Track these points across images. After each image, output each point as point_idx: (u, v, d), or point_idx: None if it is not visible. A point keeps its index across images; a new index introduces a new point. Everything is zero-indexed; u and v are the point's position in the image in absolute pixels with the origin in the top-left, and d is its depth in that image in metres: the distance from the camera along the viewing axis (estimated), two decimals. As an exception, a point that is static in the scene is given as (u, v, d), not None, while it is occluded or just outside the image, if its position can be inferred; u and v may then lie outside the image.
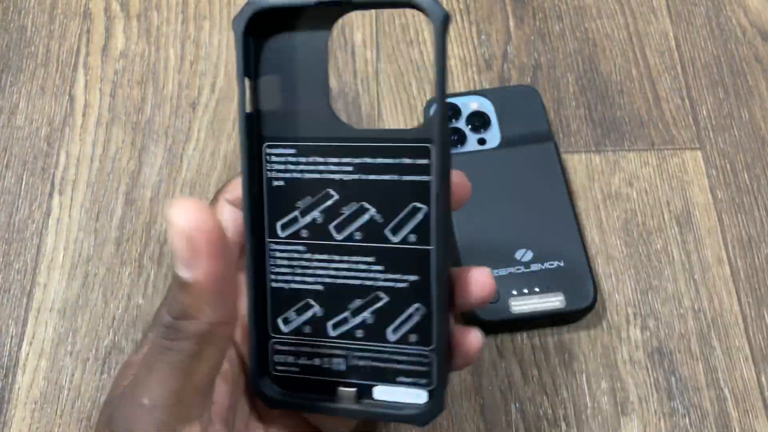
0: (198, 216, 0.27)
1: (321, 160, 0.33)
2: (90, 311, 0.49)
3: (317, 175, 0.34)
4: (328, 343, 0.35)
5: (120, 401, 0.30)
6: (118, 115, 0.56)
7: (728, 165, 0.54)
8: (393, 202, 0.33)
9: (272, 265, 0.34)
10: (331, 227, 0.34)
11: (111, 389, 0.33)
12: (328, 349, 0.35)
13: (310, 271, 0.34)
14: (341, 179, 0.33)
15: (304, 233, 0.34)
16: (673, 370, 0.47)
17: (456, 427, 0.46)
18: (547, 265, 0.49)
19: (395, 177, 0.33)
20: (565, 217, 0.50)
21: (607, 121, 0.55)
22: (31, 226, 0.52)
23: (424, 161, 0.33)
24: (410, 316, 0.34)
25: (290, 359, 0.35)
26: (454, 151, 0.52)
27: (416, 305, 0.34)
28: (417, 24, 0.59)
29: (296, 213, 0.34)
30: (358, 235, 0.34)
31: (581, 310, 0.48)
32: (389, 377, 0.35)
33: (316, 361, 0.35)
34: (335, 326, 0.35)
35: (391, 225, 0.33)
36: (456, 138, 0.53)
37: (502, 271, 0.48)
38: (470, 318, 0.47)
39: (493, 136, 0.53)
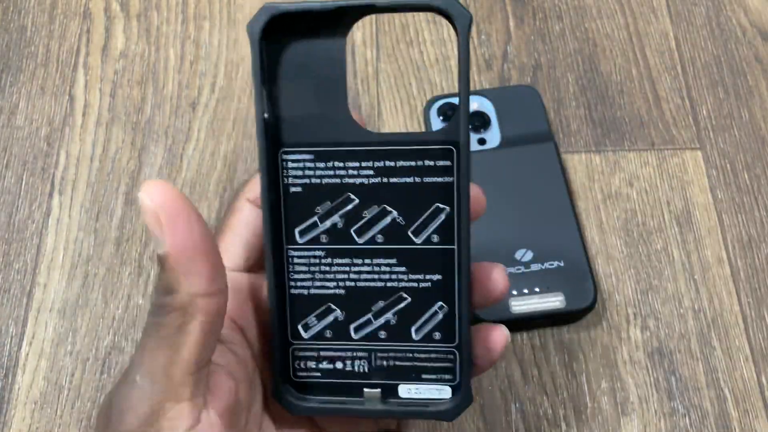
0: (162, 193, 0.29)
1: (340, 164, 0.33)
2: (90, 311, 0.49)
3: (337, 180, 0.33)
4: (351, 345, 0.35)
5: (118, 382, 0.31)
6: (118, 115, 0.56)
7: (728, 165, 0.54)
8: (415, 204, 0.33)
9: (291, 271, 0.34)
10: (352, 231, 0.34)
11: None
12: (351, 352, 0.35)
13: (330, 276, 0.34)
14: (361, 183, 0.33)
15: (324, 238, 0.34)
16: (673, 370, 0.47)
17: (456, 427, 0.46)
18: (547, 265, 0.49)
19: (417, 179, 0.33)
20: (565, 217, 0.50)
21: (607, 121, 0.55)
22: (31, 226, 0.52)
23: (447, 163, 0.33)
24: (434, 315, 0.34)
25: (312, 364, 0.35)
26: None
27: (439, 303, 0.34)
28: (417, 24, 0.59)
29: (315, 218, 0.34)
30: (380, 238, 0.34)
31: (581, 310, 0.48)
32: (413, 375, 0.35)
33: (339, 365, 0.35)
34: (357, 329, 0.35)
35: (414, 226, 0.34)
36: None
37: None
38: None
39: (493, 136, 0.53)
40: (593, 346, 0.48)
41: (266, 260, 0.34)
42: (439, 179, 0.33)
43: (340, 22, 0.32)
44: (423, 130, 0.54)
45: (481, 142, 0.53)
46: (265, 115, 0.33)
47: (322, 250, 0.34)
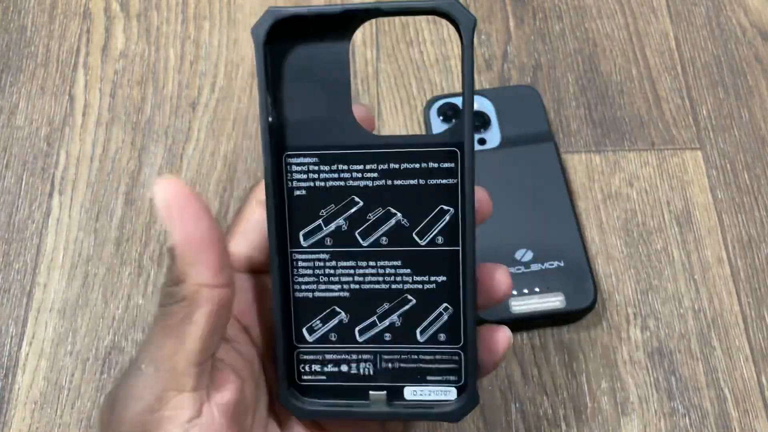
0: (173, 187, 0.30)
1: (344, 167, 0.33)
2: (90, 311, 0.49)
3: (341, 183, 0.34)
4: (356, 348, 0.35)
5: (126, 370, 0.32)
6: (118, 115, 0.56)
7: (728, 165, 0.54)
8: (420, 206, 0.34)
9: (296, 275, 0.34)
10: (356, 233, 0.34)
11: None
12: (356, 355, 0.35)
13: (335, 279, 0.34)
14: (366, 185, 0.33)
15: (329, 241, 0.34)
16: (673, 370, 0.47)
17: (456, 427, 0.46)
18: (547, 265, 0.49)
19: (422, 181, 0.33)
20: (565, 217, 0.50)
21: (607, 121, 0.55)
22: (31, 226, 0.52)
23: (451, 165, 0.33)
24: (439, 316, 0.34)
25: (317, 368, 0.35)
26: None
27: (444, 305, 0.34)
28: (417, 23, 0.59)
29: (319, 222, 0.34)
30: (384, 240, 0.34)
31: (581, 310, 0.48)
32: (419, 377, 0.35)
33: (344, 367, 0.35)
34: (362, 331, 0.35)
35: (419, 228, 0.34)
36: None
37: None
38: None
39: (494, 136, 0.53)
40: (593, 346, 0.48)
41: (271, 263, 0.34)
42: (443, 181, 0.33)
43: (343, 25, 0.33)
44: (423, 129, 0.54)
45: (481, 142, 0.53)
46: (270, 119, 0.33)
47: (327, 252, 0.34)
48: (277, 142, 0.33)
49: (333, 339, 0.35)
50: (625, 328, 0.48)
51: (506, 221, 0.50)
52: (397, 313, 0.34)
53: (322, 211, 0.34)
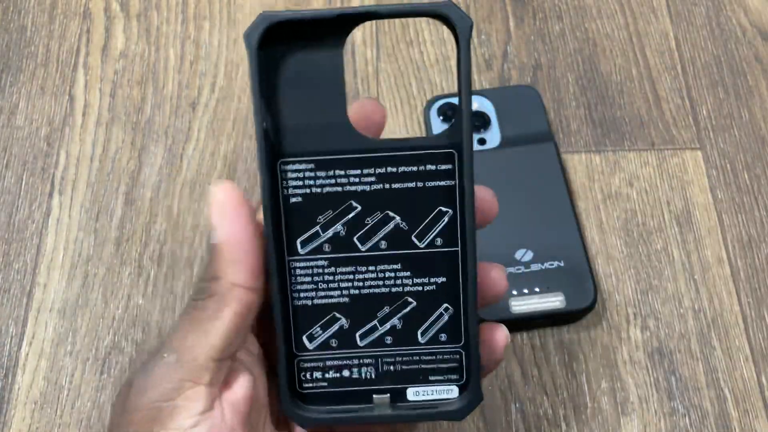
0: (231, 191, 0.32)
1: (341, 172, 0.33)
2: (90, 311, 0.49)
3: (338, 188, 0.33)
4: (357, 353, 0.35)
5: (147, 358, 0.33)
6: (118, 115, 0.56)
7: (728, 165, 0.54)
8: (418, 209, 0.33)
9: (294, 282, 0.34)
10: (355, 239, 0.34)
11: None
12: (358, 359, 0.35)
13: (334, 285, 0.34)
14: (363, 190, 0.33)
15: (327, 247, 0.34)
16: (673, 370, 0.47)
17: (456, 427, 0.46)
18: (547, 265, 0.49)
19: (420, 184, 0.33)
20: (565, 217, 0.50)
21: (607, 121, 0.55)
22: (31, 226, 0.52)
23: (449, 166, 0.33)
24: (439, 317, 0.34)
25: (318, 375, 0.35)
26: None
27: (445, 305, 0.34)
28: (417, 24, 0.59)
29: (317, 228, 0.34)
30: (383, 244, 0.34)
31: (581, 310, 0.48)
32: (421, 378, 0.35)
33: (346, 373, 0.35)
34: (363, 336, 0.35)
35: (417, 231, 0.34)
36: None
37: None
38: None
39: (493, 136, 0.53)
40: (593, 346, 0.48)
41: (269, 272, 0.33)
42: (441, 183, 0.33)
43: (338, 28, 0.32)
44: (423, 129, 0.54)
45: (481, 142, 0.53)
46: (264, 125, 0.32)
47: (325, 259, 0.34)
48: (273, 149, 0.33)
49: (334, 345, 0.35)
50: (625, 328, 0.48)
51: (506, 221, 0.49)
52: (398, 315, 0.34)
53: (320, 217, 0.33)
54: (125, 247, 0.51)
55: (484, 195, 0.34)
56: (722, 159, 0.54)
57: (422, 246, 0.34)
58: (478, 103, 0.54)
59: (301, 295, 0.34)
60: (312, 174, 0.33)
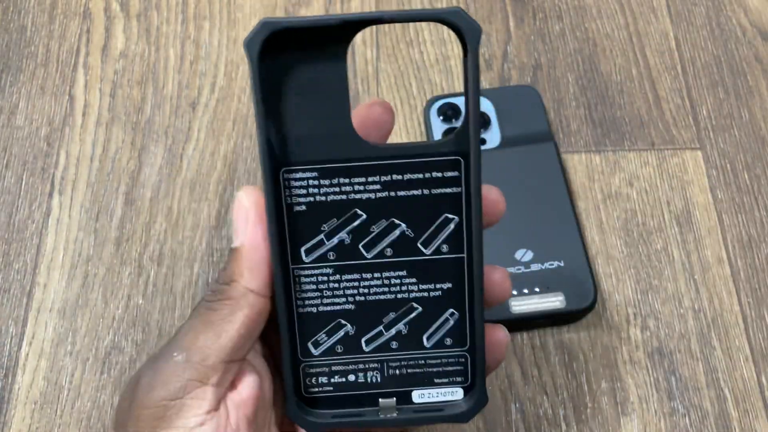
0: (256, 197, 0.33)
1: (346, 180, 0.33)
2: (90, 311, 0.49)
3: (342, 197, 0.33)
4: (362, 358, 0.35)
5: (151, 358, 0.33)
6: (118, 115, 0.56)
7: (728, 165, 0.54)
8: (424, 216, 0.33)
9: (299, 291, 0.34)
10: (360, 246, 0.33)
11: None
12: (363, 364, 0.35)
13: (339, 292, 0.34)
14: (368, 198, 0.33)
15: (331, 255, 0.34)
16: (673, 370, 0.47)
17: (456, 427, 0.46)
18: (547, 265, 0.49)
19: (426, 191, 0.33)
20: (565, 217, 0.50)
21: (607, 121, 0.55)
22: (31, 226, 0.52)
23: (455, 173, 0.33)
24: (445, 321, 0.34)
25: (323, 380, 0.35)
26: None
27: (450, 310, 0.34)
28: (417, 24, 0.59)
29: (321, 236, 0.33)
30: (389, 251, 0.34)
31: (581, 310, 0.48)
32: (426, 381, 0.35)
33: (351, 377, 0.35)
34: (369, 341, 0.35)
35: (423, 238, 0.33)
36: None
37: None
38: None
39: (493, 136, 0.53)
40: (593, 346, 0.48)
41: (274, 281, 0.33)
42: (448, 190, 0.33)
43: (341, 34, 0.31)
44: (423, 129, 0.54)
45: (481, 142, 0.53)
46: (267, 134, 0.32)
47: (330, 267, 0.34)
48: (276, 157, 0.32)
49: (339, 351, 0.35)
50: (625, 328, 0.48)
51: (506, 221, 0.49)
52: (404, 321, 0.34)
53: (324, 225, 0.33)
54: (125, 247, 0.51)
55: (491, 194, 0.34)
56: (722, 159, 0.54)
57: (428, 253, 0.34)
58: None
59: (306, 302, 0.34)
60: (316, 182, 0.33)
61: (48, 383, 0.47)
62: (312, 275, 0.34)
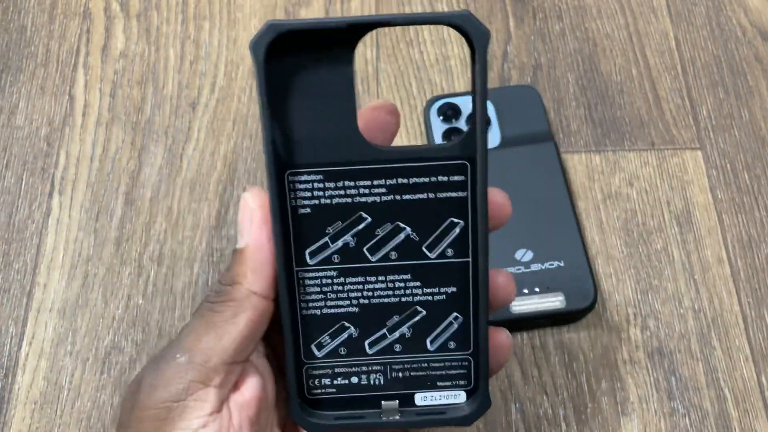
0: (262, 200, 0.32)
1: (351, 183, 0.32)
2: (90, 311, 0.49)
3: (348, 200, 0.33)
4: (366, 360, 0.35)
5: (153, 359, 0.33)
6: (118, 115, 0.56)
7: (728, 165, 0.54)
8: (429, 220, 0.33)
9: (303, 293, 0.34)
10: (364, 250, 0.33)
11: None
12: (366, 366, 0.35)
13: (343, 295, 0.34)
14: (374, 201, 0.33)
15: (336, 258, 0.33)
16: (673, 370, 0.47)
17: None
18: (547, 265, 0.49)
19: (431, 195, 0.33)
20: (565, 217, 0.50)
21: (607, 121, 0.55)
22: (31, 226, 0.52)
23: (461, 177, 0.32)
24: (449, 325, 0.34)
25: (326, 381, 0.35)
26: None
27: (454, 314, 0.34)
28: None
29: (326, 239, 0.33)
30: (393, 255, 0.33)
31: (581, 310, 0.48)
32: (429, 384, 0.35)
33: (354, 380, 0.35)
34: (372, 344, 0.35)
35: (428, 242, 0.33)
36: (456, 138, 0.53)
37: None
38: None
39: (493, 136, 0.53)
40: (593, 346, 0.48)
41: (278, 282, 0.33)
42: (453, 194, 0.33)
43: (348, 37, 0.31)
44: (423, 129, 0.54)
45: (481, 142, 0.53)
46: (272, 136, 0.31)
47: (334, 270, 0.34)
48: (281, 160, 0.32)
49: (342, 353, 0.35)
50: (625, 328, 0.48)
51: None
52: (407, 324, 0.34)
53: (329, 228, 0.33)
54: (125, 247, 0.51)
55: (496, 198, 0.34)
56: (722, 159, 0.54)
57: (433, 257, 0.33)
58: (478, 103, 0.54)
59: (310, 305, 0.34)
60: (321, 185, 0.33)
61: (48, 383, 0.47)
62: (316, 278, 0.34)
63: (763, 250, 0.51)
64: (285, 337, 0.34)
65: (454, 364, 0.35)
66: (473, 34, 0.30)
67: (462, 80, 0.57)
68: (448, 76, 0.57)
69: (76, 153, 0.54)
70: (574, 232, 0.50)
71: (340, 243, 0.33)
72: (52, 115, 0.56)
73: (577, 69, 0.57)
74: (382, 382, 0.35)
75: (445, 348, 0.35)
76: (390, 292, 0.34)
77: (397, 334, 0.34)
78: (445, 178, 0.33)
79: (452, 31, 0.59)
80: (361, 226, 0.33)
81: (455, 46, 0.58)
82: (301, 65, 0.31)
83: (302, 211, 0.33)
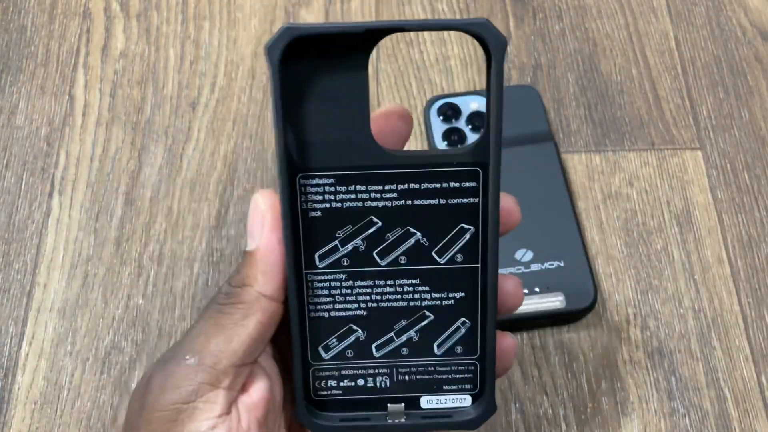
0: (273, 202, 0.32)
1: (362, 188, 0.32)
2: (90, 311, 0.49)
3: (358, 204, 0.33)
4: (372, 363, 0.35)
5: (161, 360, 0.33)
6: (118, 115, 0.56)
7: (728, 165, 0.54)
8: (440, 225, 0.33)
9: (311, 295, 0.34)
10: (374, 254, 0.33)
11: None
12: (373, 369, 0.35)
13: (352, 298, 0.34)
14: (385, 206, 0.33)
15: (345, 262, 0.33)
16: (673, 370, 0.47)
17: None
18: (547, 265, 0.49)
19: (443, 200, 0.33)
20: (565, 217, 0.50)
21: (607, 121, 0.55)
22: (31, 226, 0.52)
23: (473, 184, 0.32)
24: (456, 330, 0.34)
25: (333, 383, 0.35)
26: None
27: (462, 319, 0.34)
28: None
29: (336, 243, 0.33)
30: (403, 259, 0.33)
31: (581, 310, 0.48)
32: (435, 387, 0.35)
33: (360, 382, 0.35)
34: (379, 347, 0.35)
35: (438, 247, 0.33)
36: (456, 138, 0.53)
37: (503, 272, 0.48)
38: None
39: (493, 136, 0.53)
40: (593, 346, 0.48)
41: (288, 285, 0.33)
42: (465, 200, 0.33)
43: (364, 42, 0.31)
44: (423, 129, 0.54)
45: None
46: (284, 139, 0.31)
47: (343, 273, 0.34)
48: (293, 163, 0.32)
49: (349, 355, 0.35)
50: (625, 328, 0.48)
51: (506, 221, 0.49)
52: (415, 328, 0.34)
53: (339, 232, 0.33)
54: (125, 247, 0.51)
55: (506, 203, 0.34)
56: (722, 159, 0.54)
57: (442, 262, 0.33)
58: (478, 103, 0.54)
59: (318, 307, 0.34)
60: (332, 189, 0.33)
61: (48, 383, 0.47)
62: (325, 280, 0.34)
63: (763, 250, 0.51)
64: (292, 339, 0.34)
65: (460, 368, 0.35)
66: (491, 42, 0.30)
67: (462, 80, 0.57)
68: (448, 76, 0.57)
69: (76, 153, 0.54)
70: (574, 232, 0.50)
71: (350, 247, 0.33)
72: (52, 115, 0.56)
73: (577, 69, 0.57)
74: (388, 384, 0.35)
75: (452, 352, 0.35)
76: (398, 296, 0.34)
77: (404, 338, 0.34)
78: (457, 184, 0.32)
79: (452, 32, 0.59)
80: (371, 231, 0.33)
81: (455, 46, 0.58)
82: (315, 69, 0.31)
83: (313, 214, 0.33)
